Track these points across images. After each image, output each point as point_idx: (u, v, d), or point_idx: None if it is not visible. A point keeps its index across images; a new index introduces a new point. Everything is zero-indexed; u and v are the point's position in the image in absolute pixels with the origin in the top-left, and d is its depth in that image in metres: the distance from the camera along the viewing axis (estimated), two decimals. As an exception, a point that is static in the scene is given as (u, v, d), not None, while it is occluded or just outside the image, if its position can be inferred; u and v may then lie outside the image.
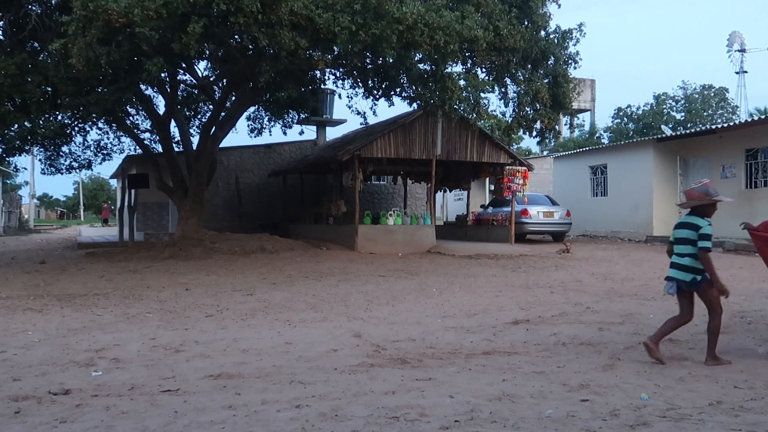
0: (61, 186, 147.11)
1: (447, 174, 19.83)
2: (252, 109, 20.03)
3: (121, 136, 20.40)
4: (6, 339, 6.20)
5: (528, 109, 14.74)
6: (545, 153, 34.73)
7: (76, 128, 18.43)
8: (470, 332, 6.48)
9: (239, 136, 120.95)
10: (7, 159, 19.54)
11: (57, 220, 67.74)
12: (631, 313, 7.51)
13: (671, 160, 19.07)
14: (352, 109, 17.78)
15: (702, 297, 5.11)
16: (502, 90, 14.96)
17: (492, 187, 24.64)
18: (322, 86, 19.55)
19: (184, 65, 16.40)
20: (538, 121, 15.15)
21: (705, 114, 37.80)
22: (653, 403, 3.92)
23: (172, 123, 18.11)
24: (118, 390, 4.34)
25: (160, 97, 18.20)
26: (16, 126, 15.25)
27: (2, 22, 14.26)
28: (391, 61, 12.02)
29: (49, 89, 13.41)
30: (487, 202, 22.01)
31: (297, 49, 10.60)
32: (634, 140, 23.96)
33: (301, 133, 22.19)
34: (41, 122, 16.29)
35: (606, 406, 3.85)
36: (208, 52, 14.73)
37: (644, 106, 38.80)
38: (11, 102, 13.41)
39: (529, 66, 14.57)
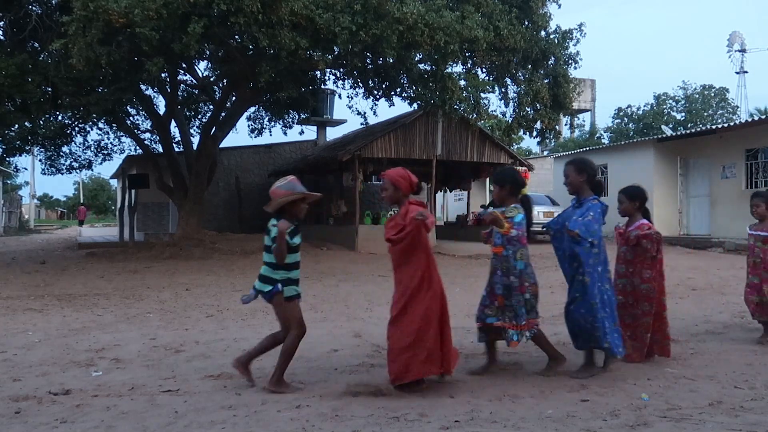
0: (62, 186, 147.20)
1: (447, 174, 19.84)
2: (252, 109, 20.04)
3: (122, 136, 20.43)
4: (6, 339, 6.20)
5: (528, 110, 14.74)
6: (545, 153, 34.74)
7: (77, 128, 18.47)
8: (471, 332, 6.47)
9: (239, 136, 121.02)
10: (8, 159, 19.60)
11: (57, 220, 67.76)
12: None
13: (672, 161, 19.06)
14: (352, 110, 17.82)
15: (275, 311, 4.39)
16: (503, 90, 14.96)
17: (492, 188, 24.63)
18: (323, 86, 19.55)
19: (184, 65, 16.41)
20: (539, 122, 15.15)
21: (705, 114, 37.77)
22: (653, 404, 3.92)
23: (173, 123, 18.12)
24: (118, 390, 4.34)
25: (161, 98, 18.23)
26: (16, 126, 15.29)
27: (2, 23, 14.28)
28: (391, 61, 12.02)
29: (50, 89, 13.42)
30: (488, 203, 21.99)
31: (297, 50, 10.60)
32: (635, 140, 23.95)
33: (302, 133, 22.23)
34: (41, 122, 16.33)
35: (606, 407, 3.85)
36: (208, 52, 14.74)
37: (644, 106, 38.78)
38: (11, 102, 13.42)
39: (530, 66, 14.57)
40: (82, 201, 67.32)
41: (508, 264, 4.54)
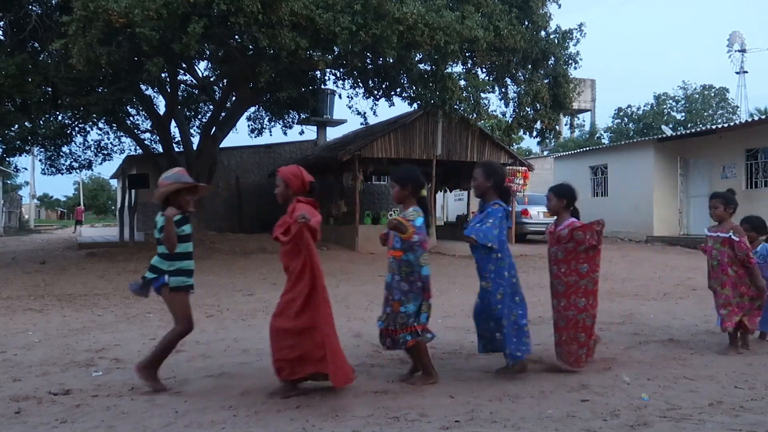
0: (62, 186, 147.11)
1: (447, 174, 19.83)
2: (252, 109, 20.03)
3: (122, 136, 20.43)
4: (6, 339, 6.20)
5: (528, 110, 14.74)
6: (545, 153, 34.73)
7: (77, 128, 18.46)
8: (471, 332, 6.44)
9: (239, 136, 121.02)
10: (8, 159, 19.60)
11: (57, 220, 67.74)
12: (631, 313, 7.51)
13: (672, 161, 19.06)
14: (352, 110, 17.82)
15: (166, 303, 4.36)
16: (503, 90, 14.95)
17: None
18: (323, 86, 19.54)
19: (184, 65, 16.41)
20: (539, 122, 15.14)
21: (705, 114, 37.77)
22: (654, 403, 3.92)
23: (173, 123, 18.11)
24: (118, 390, 4.34)
25: (161, 98, 18.22)
26: (16, 126, 15.28)
27: (2, 23, 14.27)
28: (391, 61, 12.02)
29: (50, 89, 13.41)
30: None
31: (297, 50, 10.60)
32: (635, 140, 23.96)
33: (302, 133, 22.21)
34: (41, 122, 16.33)
35: (606, 407, 3.85)
36: (208, 52, 14.74)
37: (644, 106, 38.79)
38: (11, 102, 13.42)
39: (530, 66, 14.57)
40: (82, 201, 67.43)
41: (410, 269, 4.35)
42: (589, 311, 4.76)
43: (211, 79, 18.43)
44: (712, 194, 5.69)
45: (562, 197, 4.95)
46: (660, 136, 20.67)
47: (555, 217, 5.10)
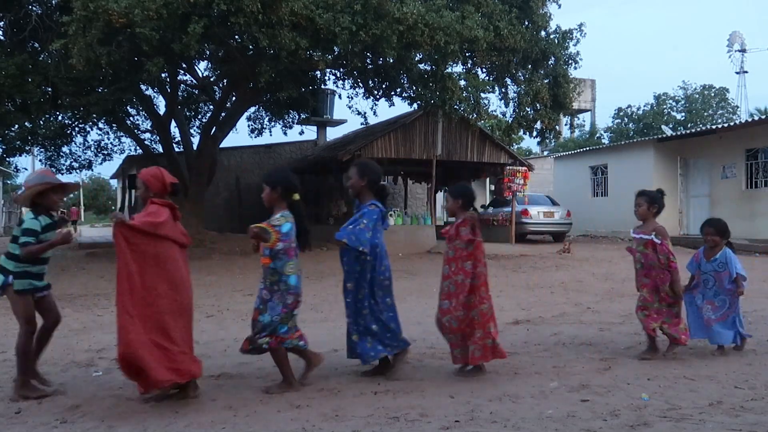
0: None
1: (447, 174, 19.83)
2: (252, 109, 20.03)
3: (122, 136, 20.42)
4: (6, 339, 6.19)
5: (528, 110, 14.75)
6: (545, 153, 34.73)
7: (77, 128, 18.46)
8: (470, 332, 6.47)
9: (239, 136, 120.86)
10: (8, 159, 19.59)
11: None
12: (631, 314, 7.47)
13: (672, 161, 19.07)
14: (352, 110, 17.84)
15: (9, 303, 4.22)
16: (503, 90, 14.96)
17: (492, 188, 24.66)
18: (323, 86, 19.55)
19: (184, 65, 16.40)
20: (539, 122, 15.15)
21: (705, 114, 37.78)
22: (654, 403, 3.92)
23: (173, 123, 18.11)
24: (118, 390, 4.33)
25: (161, 98, 18.22)
26: (16, 126, 15.28)
27: (2, 23, 14.28)
28: (391, 61, 12.02)
29: (50, 89, 13.42)
30: (488, 203, 22.01)
31: (297, 50, 10.60)
32: (635, 140, 23.96)
33: (302, 133, 22.22)
34: (41, 122, 16.32)
35: (606, 407, 3.85)
36: (208, 52, 14.74)
37: (644, 106, 38.79)
38: (11, 102, 13.42)
39: (530, 66, 14.58)
40: (82, 201, 67.41)
41: (275, 277, 4.16)
42: (477, 308, 4.57)
43: (211, 79, 18.44)
44: (638, 192, 5.51)
45: (458, 198, 4.81)
46: (660, 136, 20.67)
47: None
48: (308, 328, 6.83)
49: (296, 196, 4.37)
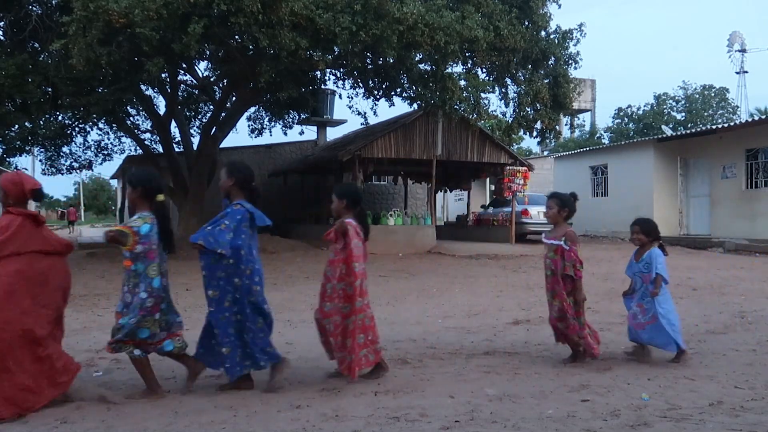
0: (62, 186, 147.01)
1: (447, 174, 19.83)
2: (252, 109, 20.03)
3: (122, 136, 20.42)
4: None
5: (528, 110, 14.74)
6: (546, 153, 34.74)
7: (77, 128, 18.46)
8: (471, 332, 6.48)
9: (239, 136, 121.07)
10: (8, 159, 19.57)
11: (57, 220, 67.74)
12: (631, 314, 7.49)
13: (672, 161, 19.06)
14: (352, 110, 17.81)
15: None
16: (503, 90, 14.95)
17: (492, 188, 24.66)
18: (323, 86, 19.54)
19: (184, 65, 16.40)
20: (539, 122, 15.14)
21: (705, 114, 37.79)
22: (654, 403, 3.92)
23: (173, 123, 18.11)
24: (118, 390, 4.33)
25: (161, 98, 18.22)
26: (16, 126, 15.28)
27: (3, 23, 14.28)
28: (391, 61, 12.02)
29: (50, 89, 13.42)
30: (488, 203, 22.01)
31: (297, 50, 10.60)
32: (635, 140, 23.96)
33: (302, 133, 22.22)
34: (42, 123, 16.32)
35: (606, 407, 3.85)
36: (208, 52, 14.74)
37: (645, 106, 38.82)
38: (12, 102, 13.42)
39: (530, 66, 14.57)
40: (82, 201, 67.48)
41: (137, 279, 4.05)
42: (352, 317, 4.39)
43: (211, 79, 18.44)
44: (550, 194, 5.32)
45: (342, 198, 4.68)
46: (660, 136, 20.67)
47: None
48: (308, 328, 6.85)
49: (160, 197, 4.26)
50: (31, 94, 12.60)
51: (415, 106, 14.95)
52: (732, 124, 18.90)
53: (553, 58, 14.59)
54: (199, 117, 20.99)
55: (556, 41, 14.46)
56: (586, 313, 5.11)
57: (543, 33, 14.32)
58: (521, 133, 16.41)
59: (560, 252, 4.92)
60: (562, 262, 4.90)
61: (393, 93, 14.71)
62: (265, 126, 21.21)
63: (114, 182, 45.69)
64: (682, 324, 6.82)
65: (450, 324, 7.00)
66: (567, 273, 4.89)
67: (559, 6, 14.63)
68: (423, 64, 13.05)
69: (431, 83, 12.78)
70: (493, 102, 31.99)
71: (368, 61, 13.30)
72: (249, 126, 21.17)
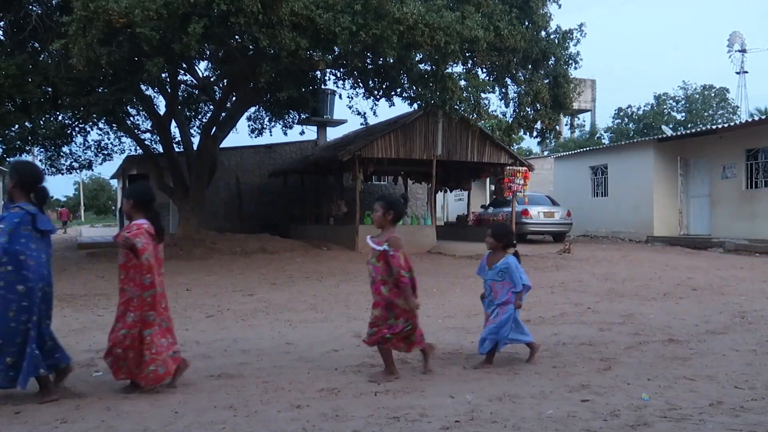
0: (62, 186, 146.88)
1: (447, 174, 19.82)
2: (252, 109, 20.03)
3: (122, 136, 20.42)
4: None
5: (528, 110, 14.74)
6: (546, 153, 34.73)
7: (77, 128, 18.46)
8: (471, 333, 6.48)
9: (240, 136, 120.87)
10: (8, 159, 19.57)
11: (57, 220, 67.72)
12: (631, 314, 7.51)
13: (672, 161, 19.06)
14: (352, 110, 17.79)
15: None
16: (503, 90, 14.95)
17: (492, 188, 24.66)
18: (323, 86, 19.54)
19: (184, 65, 16.41)
20: (539, 122, 15.14)
21: (705, 114, 37.78)
22: (654, 404, 3.91)
23: (173, 123, 18.11)
24: (118, 390, 4.33)
25: (161, 98, 18.22)
26: (16, 126, 15.28)
27: (3, 23, 14.28)
28: (391, 61, 12.02)
29: (50, 89, 13.41)
30: (488, 203, 22.01)
31: (297, 50, 10.60)
32: (635, 140, 23.96)
33: (302, 133, 22.22)
34: (42, 122, 16.32)
35: (606, 407, 3.85)
36: (208, 52, 14.74)
37: (645, 106, 38.80)
38: (12, 102, 13.42)
39: (530, 66, 14.57)
40: (82, 201, 67.48)
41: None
42: (131, 330, 4.21)
43: (212, 79, 18.44)
44: (378, 196, 5.02)
45: (130, 198, 4.49)
46: (660, 136, 20.66)
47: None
48: (308, 328, 6.86)
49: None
50: (31, 94, 12.60)
51: (415, 106, 14.96)
52: (732, 124, 18.89)
53: (553, 58, 14.59)
54: (199, 117, 20.99)
55: (556, 41, 14.46)
56: (419, 317, 4.74)
57: (543, 33, 14.33)
58: (521, 133, 16.42)
59: (383, 258, 4.62)
60: (386, 268, 4.59)
61: (393, 93, 14.71)
62: (265, 126, 21.23)
63: (114, 182, 45.69)
64: (682, 323, 6.85)
65: (450, 324, 7.00)
66: (385, 277, 4.59)
67: (559, 6, 14.64)
68: (423, 64, 13.05)
69: (431, 83, 12.78)
70: (493, 102, 31.98)
71: (368, 61, 13.30)
72: (249, 126, 21.19)
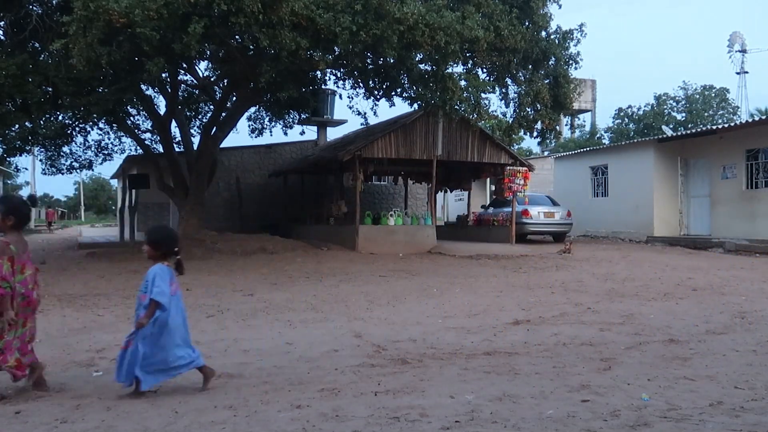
0: (62, 186, 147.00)
1: (448, 174, 19.83)
2: (253, 109, 20.05)
3: (122, 136, 20.44)
4: None
5: (529, 110, 14.74)
6: (546, 153, 34.73)
7: (77, 128, 18.47)
8: (471, 332, 6.48)
9: (240, 136, 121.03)
10: (8, 159, 19.60)
11: (57, 220, 67.74)
12: (631, 314, 7.51)
13: (672, 161, 19.06)
14: (352, 110, 17.79)
15: None
16: (503, 90, 14.96)
17: (493, 188, 24.64)
18: (323, 87, 19.55)
19: (184, 65, 16.41)
20: (539, 122, 15.15)
21: (706, 114, 37.77)
22: (654, 404, 3.91)
23: (173, 123, 18.12)
24: (118, 390, 4.33)
25: (161, 98, 18.23)
26: (17, 126, 15.28)
27: (3, 23, 14.28)
28: (391, 61, 12.02)
29: (50, 89, 13.42)
30: (488, 203, 22.01)
31: (298, 50, 10.60)
32: (635, 140, 23.95)
33: (302, 133, 22.23)
34: (42, 122, 16.33)
35: (607, 407, 3.85)
36: (208, 52, 14.74)
37: (645, 106, 38.78)
38: (12, 102, 13.42)
39: (530, 66, 14.57)
40: (82, 201, 67.52)
41: None
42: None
43: (212, 79, 18.44)
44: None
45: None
46: (660, 137, 20.66)
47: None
48: (308, 328, 6.86)
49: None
50: (32, 94, 12.60)
51: (415, 106, 14.95)
52: (732, 124, 18.89)
53: (553, 59, 14.59)
54: (200, 117, 21.01)
55: (557, 41, 14.46)
56: (10, 333, 4.26)
57: (543, 33, 14.33)
58: (521, 133, 16.41)
59: None
60: None
61: (393, 93, 14.71)
62: (265, 126, 21.24)
63: (114, 182, 45.70)
64: (682, 323, 6.84)
65: (450, 324, 7.00)
66: None
67: (560, 6, 14.63)
68: (423, 64, 13.05)
69: (431, 83, 12.78)
70: (494, 102, 32.07)
71: (368, 61, 13.29)
72: (249, 126, 21.21)
